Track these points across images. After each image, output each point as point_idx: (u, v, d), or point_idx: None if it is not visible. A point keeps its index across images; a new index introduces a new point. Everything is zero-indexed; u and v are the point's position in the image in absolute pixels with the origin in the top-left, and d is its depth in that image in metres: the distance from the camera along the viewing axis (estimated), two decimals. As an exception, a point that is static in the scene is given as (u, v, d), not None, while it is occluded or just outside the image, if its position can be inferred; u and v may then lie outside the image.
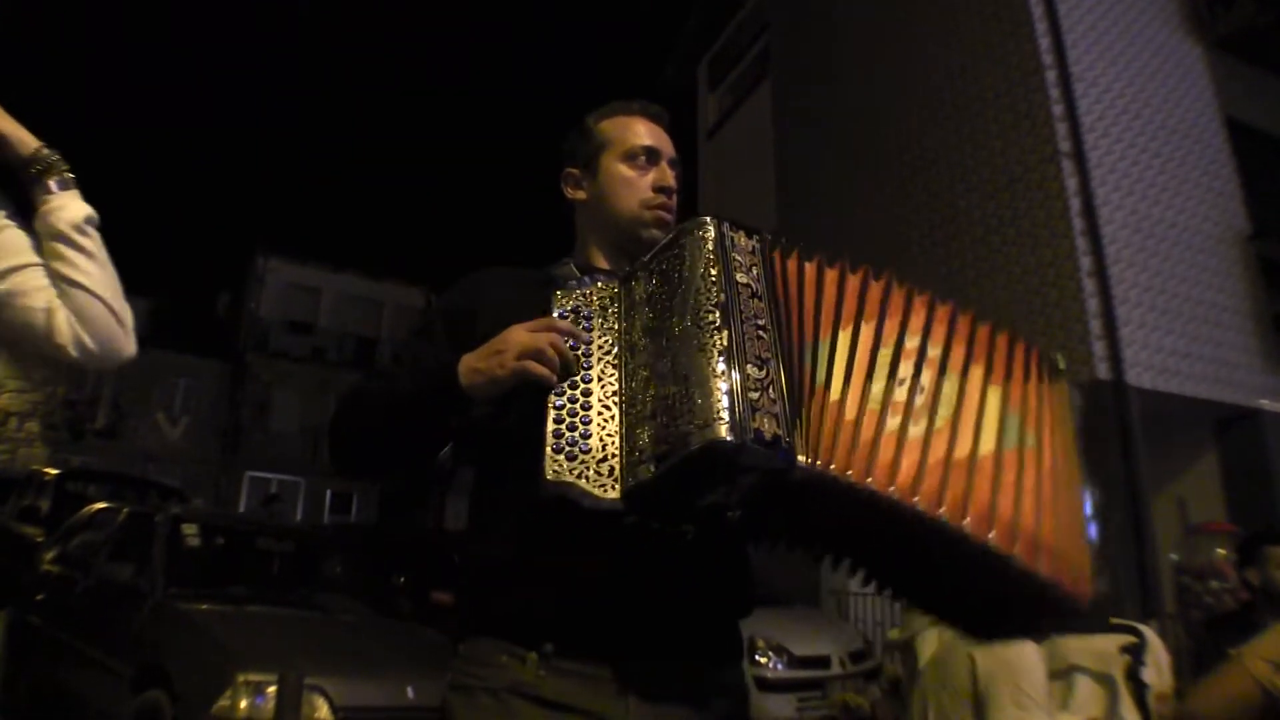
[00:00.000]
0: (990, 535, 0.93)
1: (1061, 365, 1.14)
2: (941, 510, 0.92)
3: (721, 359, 0.91)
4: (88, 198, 1.17)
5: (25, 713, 4.41)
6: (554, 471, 0.95)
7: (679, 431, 0.89)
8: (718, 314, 0.95)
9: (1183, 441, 7.10)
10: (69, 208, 1.13)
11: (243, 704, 3.10)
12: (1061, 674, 2.27)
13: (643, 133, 1.30)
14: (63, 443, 18.14)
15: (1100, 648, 2.28)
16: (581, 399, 1.00)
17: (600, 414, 0.99)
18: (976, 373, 1.05)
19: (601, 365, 1.03)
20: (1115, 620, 2.41)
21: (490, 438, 1.15)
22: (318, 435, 19.45)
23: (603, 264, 1.28)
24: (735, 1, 12.91)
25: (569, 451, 0.96)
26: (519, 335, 1.03)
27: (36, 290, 1.09)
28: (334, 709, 3.19)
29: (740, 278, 0.99)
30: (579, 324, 1.07)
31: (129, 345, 1.16)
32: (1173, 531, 6.79)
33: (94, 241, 1.13)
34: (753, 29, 12.50)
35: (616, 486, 0.94)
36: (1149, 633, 2.30)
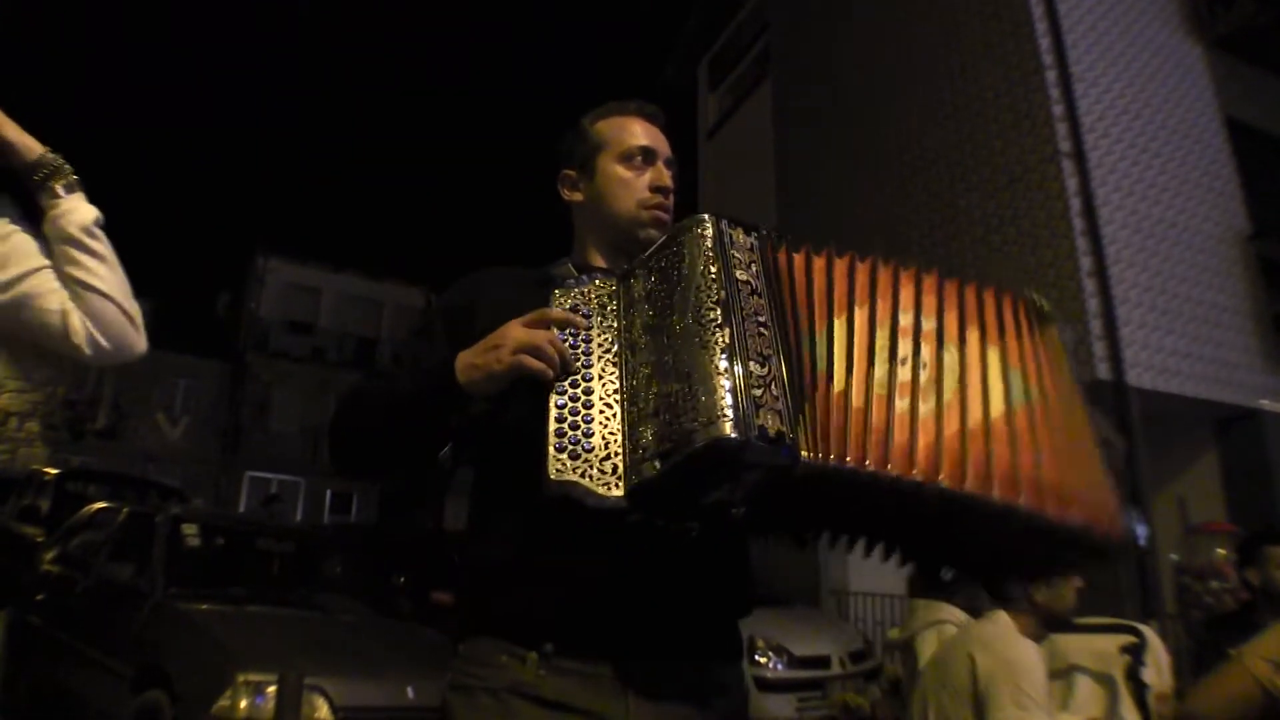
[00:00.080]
0: (1021, 499, 0.93)
1: (1046, 308, 1.14)
2: (967, 483, 0.92)
3: (724, 356, 0.92)
4: (88, 198, 1.19)
5: (25, 713, 4.41)
6: (557, 471, 0.95)
7: (683, 429, 0.89)
8: (719, 311, 0.95)
9: (1183, 441, 7.10)
10: (77, 211, 1.15)
11: (243, 704, 3.10)
12: (1061, 674, 2.27)
13: (639, 133, 1.30)
14: (63, 443, 18.13)
15: (1100, 648, 2.28)
16: (583, 397, 1.00)
17: (602, 412, 0.99)
18: (973, 337, 1.05)
19: (602, 363, 1.03)
20: (1115, 620, 2.41)
21: (490, 436, 1.15)
22: (318, 435, 19.45)
23: (601, 264, 1.28)
24: (735, 1, 12.91)
25: (572, 450, 0.96)
26: (516, 330, 1.03)
27: (50, 293, 1.13)
28: (334, 709, 3.19)
29: (740, 275, 0.99)
30: None
31: (140, 342, 1.20)
32: (1173, 531, 6.79)
33: (103, 243, 1.16)
34: (753, 29, 12.50)
35: (620, 485, 0.94)
36: (1149, 633, 2.30)
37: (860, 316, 1.02)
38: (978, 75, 7.90)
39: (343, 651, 3.70)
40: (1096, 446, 1.06)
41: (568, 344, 1.03)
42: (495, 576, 1.10)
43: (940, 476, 0.92)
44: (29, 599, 4.88)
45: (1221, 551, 6.20)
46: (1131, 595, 5.87)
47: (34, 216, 1.17)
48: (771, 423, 0.89)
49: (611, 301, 1.08)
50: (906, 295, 1.05)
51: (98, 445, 18.31)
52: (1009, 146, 7.43)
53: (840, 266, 1.06)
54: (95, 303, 1.14)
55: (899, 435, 0.94)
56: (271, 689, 3.01)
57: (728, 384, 0.89)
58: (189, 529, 4.73)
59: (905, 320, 1.03)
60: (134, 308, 1.18)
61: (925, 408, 0.97)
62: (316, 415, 19.92)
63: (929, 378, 1.00)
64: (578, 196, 1.32)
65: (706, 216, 1.03)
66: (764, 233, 1.06)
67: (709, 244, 1.00)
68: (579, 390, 1.01)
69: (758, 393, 0.90)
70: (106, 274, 1.15)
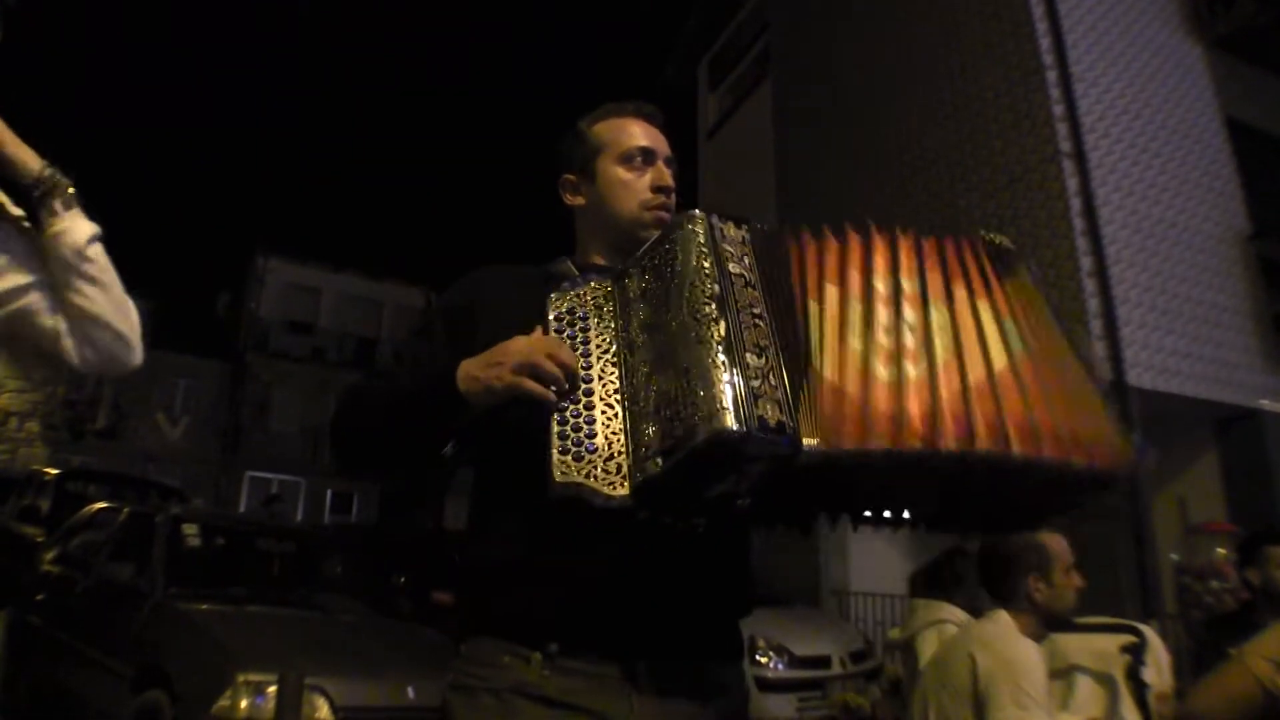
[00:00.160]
0: (1044, 450, 0.92)
1: (1009, 246, 1.12)
2: (979, 442, 0.91)
3: (720, 350, 0.92)
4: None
5: (25, 713, 4.41)
6: (562, 473, 0.95)
7: (684, 425, 0.90)
8: (714, 305, 0.95)
9: (1183, 441, 7.10)
10: (72, 231, 1.14)
11: (243, 704, 3.10)
12: (1062, 674, 2.26)
13: (637, 134, 1.29)
14: (63, 443, 18.13)
15: (1100, 647, 2.28)
16: (584, 399, 1.01)
17: (604, 413, 0.99)
18: (961, 293, 1.03)
19: (601, 364, 1.04)
20: (1115, 620, 2.41)
21: (491, 436, 1.15)
22: (318, 435, 19.46)
23: (601, 264, 1.28)
24: (735, 1, 12.91)
25: (575, 452, 0.97)
26: (519, 346, 1.03)
27: (43, 311, 1.15)
28: (334, 709, 3.19)
29: (733, 268, 0.99)
30: (575, 324, 1.08)
31: (133, 358, 1.21)
32: (1173, 531, 6.79)
33: (97, 265, 1.16)
34: (753, 29, 12.50)
35: (625, 484, 0.94)
36: (1149, 632, 2.30)
37: (832, 293, 1.02)
38: (978, 75, 7.90)
39: (343, 651, 3.70)
40: (1090, 380, 1.05)
41: (568, 344, 1.04)
42: (497, 576, 1.10)
43: (941, 440, 0.90)
44: (29, 599, 4.88)
45: (1221, 551, 6.20)
46: (1131, 595, 5.87)
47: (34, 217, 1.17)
48: (771, 413, 0.89)
49: (608, 302, 1.09)
50: (881, 260, 1.05)
51: (98, 445, 18.31)
52: (1009, 146, 7.43)
53: (812, 247, 1.05)
54: (86, 324, 1.15)
55: (881, 405, 0.93)
56: (271, 689, 3.01)
57: (726, 377, 0.90)
58: (189, 529, 4.73)
59: (881, 286, 1.02)
60: (128, 325, 1.19)
61: (916, 370, 0.96)
62: (316, 415, 19.91)
63: (917, 340, 0.98)
64: (579, 200, 1.32)
65: (697, 212, 1.04)
66: (755, 225, 1.06)
67: (701, 239, 1.01)
68: (580, 393, 1.01)
69: (756, 384, 0.90)
70: (99, 296, 1.15)
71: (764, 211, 10.27)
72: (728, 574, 1.15)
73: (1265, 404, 7.02)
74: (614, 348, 1.05)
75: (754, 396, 0.89)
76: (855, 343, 0.98)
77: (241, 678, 3.16)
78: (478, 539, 1.17)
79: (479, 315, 1.18)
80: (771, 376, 0.92)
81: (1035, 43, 7.26)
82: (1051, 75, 7.13)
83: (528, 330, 1.07)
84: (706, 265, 0.98)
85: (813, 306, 1.00)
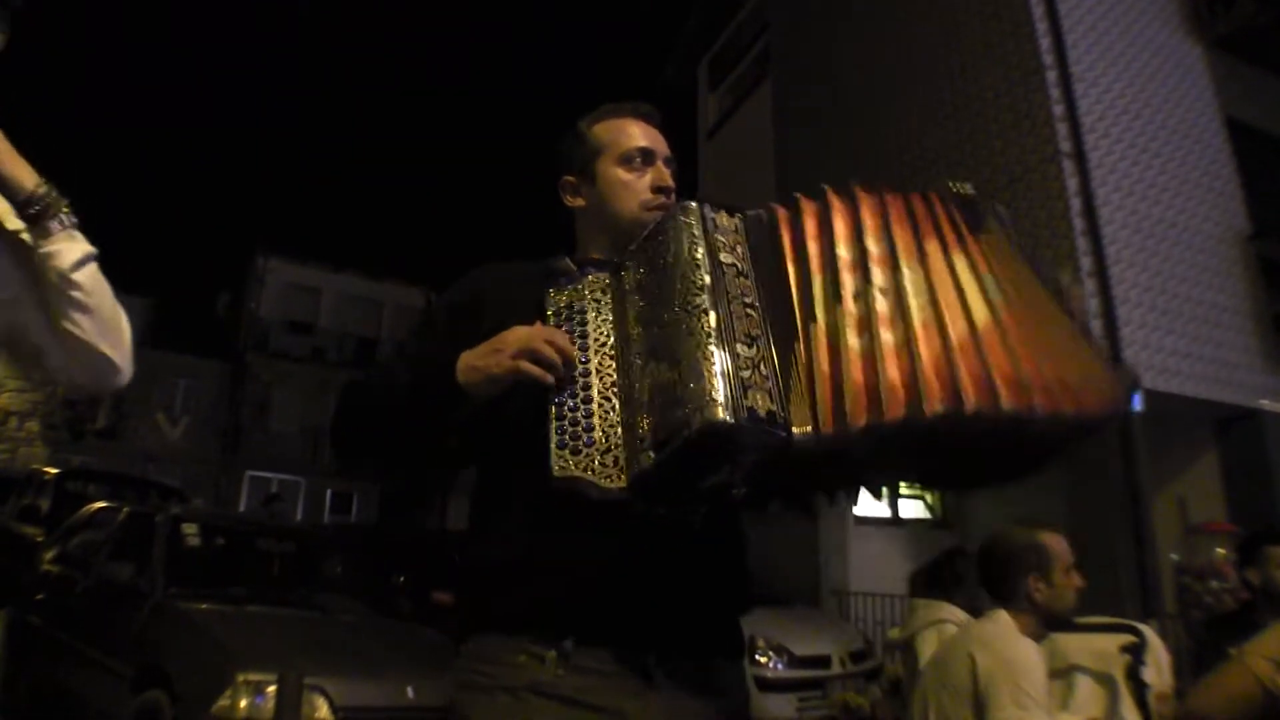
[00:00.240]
0: (1035, 401, 0.90)
1: (971, 192, 1.10)
2: (968, 402, 0.88)
3: (711, 341, 0.92)
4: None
5: (25, 713, 4.41)
6: (560, 467, 0.96)
7: (675, 417, 0.90)
8: (705, 296, 0.96)
9: (1183, 441, 7.10)
10: (64, 254, 1.13)
11: (242, 704, 3.10)
12: (1061, 674, 2.26)
13: (636, 134, 1.30)
14: (63, 442, 18.13)
15: (1100, 647, 2.28)
16: (582, 393, 1.01)
17: (601, 406, 1.00)
18: (933, 248, 1.01)
19: (599, 357, 1.04)
20: (1115, 620, 2.41)
21: (491, 433, 1.15)
22: (318, 435, 19.46)
23: (600, 257, 1.28)
24: (735, 1, 12.90)
25: (573, 446, 0.97)
26: (518, 334, 1.04)
27: (29, 329, 1.16)
28: (334, 709, 3.19)
29: (725, 258, 0.99)
30: (573, 318, 1.08)
31: (119, 379, 1.21)
32: (1173, 531, 6.79)
33: (84, 289, 1.14)
34: (753, 29, 12.50)
35: (622, 476, 0.95)
36: (1149, 632, 2.30)
37: (795, 271, 1.01)
38: (978, 75, 7.90)
39: (343, 651, 3.70)
40: (1070, 321, 1.03)
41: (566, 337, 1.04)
42: (502, 573, 1.10)
43: (927, 406, 0.88)
44: (29, 599, 4.89)
45: (1221, 551, 6.20)
46: (1131, 595, 5.87)
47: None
48: (761, 402, 0.89)
49: (605, 295, 1.10)
50: (844, 226, 1.03)
51: (98, 445, 18.31)
52: (1009, 146, 7.42)
53: (785, 225, 1.05)
54: (73, 346, 1.15)
55: (855, 377, 0.91)
56: (271, 689, 3.01)
57: (717, 368, 0.90)
58: (189, 529, 4.73)
59: (846, 253, 1.01)
60: (115, 347, 1.18)
61: (892, 336, 0.94)
62: (316, 415, 19.91)
63: (890, 304, 0.96)
64: (579, 202, 1.32)
65: (690, 203, 1.04)
66: (749, 214, 1.06)
67: (694, 230, 1.01)
68: (578, 386, 1.02)
69: (746, 374, 0.91)
70: (85, 321, 1.15)
71: (764, 211, 10.25)
72: (727, 568, 1.15)
73: (1265, 404, 7.02)
74: (611, 341, 1.05)
75: (744, 387, 0.90)
76: (820, 317, 0.96)
77: (241, 677, 3.16)
78: (479, 537, 1.17)
79: (482, 310, 1.19)
80: (763, 366, 0.93)
81: (1035, 43, 7.25)
82: (1051, 75, 7.13)
83: (527, 325, 1.07)
84: (699, 255, 0.99)
85: (794, 291, 1.00)
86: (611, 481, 0.95)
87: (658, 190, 1.27)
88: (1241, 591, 3.41)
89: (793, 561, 8.02)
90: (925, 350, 0.92)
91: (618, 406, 0.99)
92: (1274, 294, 7.60)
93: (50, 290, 1.13)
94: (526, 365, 1.01)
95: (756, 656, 5.54)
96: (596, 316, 1.08)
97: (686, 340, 0.94)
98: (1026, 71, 7.34)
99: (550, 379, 1.01)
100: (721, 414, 0.87)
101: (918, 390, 0.89)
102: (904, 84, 8.77)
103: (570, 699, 1.02)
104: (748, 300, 0.97)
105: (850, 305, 0.96)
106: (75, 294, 1.13)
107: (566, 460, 0.96)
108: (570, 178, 1.33)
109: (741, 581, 1.19)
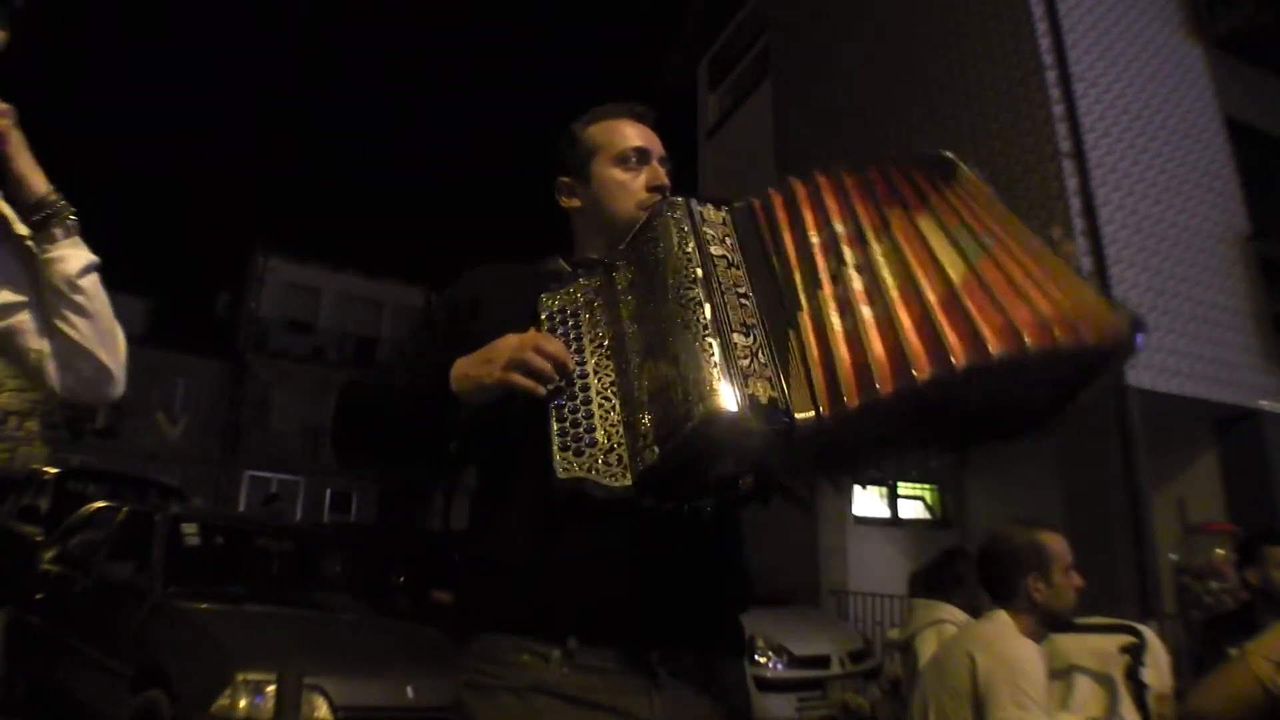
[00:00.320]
0: (1027, 340, 0.87)
1: (945, 153, 1.09)
2: (958, 359, 0.86)
3: (708, 332, 0.92)
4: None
5: (25, 712, 4.41)
6: (564, 469, 0.96)
7: (677, 411, 0.90)
8: (698, 289, 0.96)
9: (1183, 441, 7.10)
10: (67, 261, 1.15)
11: (242, 703, 3.10)
12: (1061, 674, 2.26)
13: (631, 134, 1.30)
14: (62, 442, 18.10)
15: (1100, 648, 2.28)
16: (581, 394, 1.01)
17: (600, 405, 1.00)
18: (897, 216, 1.00)
19: (596, 358, 1.04)
20: (1115, 620, 2.41)
21: (491, 433, 1.15)
22: (317, 435, 19.46)
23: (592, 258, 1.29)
24: (735, 1, 12.90)
25: (575, 447, 0.97)
26: (509, 342, 1.05)
27: (29, 332, 1.17)
28: (333, 708, 3.19)
29: (715, 250, 1.00)
30: (567, 322, 1.08)
31: (114, 390, 1.23)
32: (1173, 531, 6.79)
33: (86, 295, 1.17)
34: (753, 29, 12.50)
35: (627, 474, 0.95)
36: (1149, 633, 2.30)
37: (775, 262, 1.01)
38: (978, 75, 7.89)
39: (342, 651, 3.70)
40: (1061, 258, 1.00)
41: (561, 342, 1.04)
42: (504, 573, 1.09)
43: (917, 373, 0.87)
44: (29, 598, 4.89)
45: (1221, 551, 6.20)
46: (1131, 595, 5.87)
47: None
48: (762, 390, 0.89)
49: (598, 296, 1.10)
50: (811, 214, 1.03)
51: (97, 445, 18.29)
52: (1009, 146, 7.42)
53: (763, 218, 1.05)
54: (71, 354, 1.17)
55: (845, 356, 0.90)
56: (271, 688, 3.01)
57: (714, 360, 0.90)
58: (188, 528, 4.73)
59: (817, 237, 1.01)
60: (112, 357, 1.20)
61: (872, 311, 0.93)
62: (316, 415, 19.91)
63: (866, 281, 0.95)
64: (575, 203, 1.32)
65: (677, 198, 1.05)
66: (736, 205, 1.06)
67: (683, 224, 1.01)
68: (576, 388, 1.02)
69: (745, 363, 0.91)
70: (85, 327, 1.17)
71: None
72: (728, 563, 1.15)
73: (1265, 404, 7.02)
74: (607, 341, 1.06)
75: (743, 376, 0.89)
76: (805, 303, 0.97)
77: (240, 677, 3.16)
78: (482, 536, 1.17)
79: (478, 310, 1.19)
80: (761, 354, 0.93)
81: (1035, 43, 7.25)
82: (1051, 75, 7.13)
83: (522, 329, 1.07)
84: (688, 249, 0.99)
85: (782, 280, 1.00)
86: (616, 480, 0.95)
87: (653, 190, 1.27)
88: (1241, 592, 3.40)
89: (792, 561, 8.02)
90: (906, 318, 0.91)
91: (618, 406, 1.00)
92: (1274, 294, 7.61)
93: (54, 294, 1.15)
94: (516, 378, 1.01)
95: (756, 656, 5.55)
96: (590, 317, 1.08)
97: (683, 333, 0.94)
98: (1026, 71, 7.34)
99: (541, 390, 1.01)
100: (723, 404, 0.87)
101: (905, 360, 0.88)
102: (904, 84, 8.77)
103: (575, 698, 1.02)
104: (740, 290, 0.97)
105: (829, 288, 0.96)
106: (78, 298, 1.15)
107: (570, 462, 0.96)
108: (566, 179, 1.33)
109: (742, 577, 1.19)
